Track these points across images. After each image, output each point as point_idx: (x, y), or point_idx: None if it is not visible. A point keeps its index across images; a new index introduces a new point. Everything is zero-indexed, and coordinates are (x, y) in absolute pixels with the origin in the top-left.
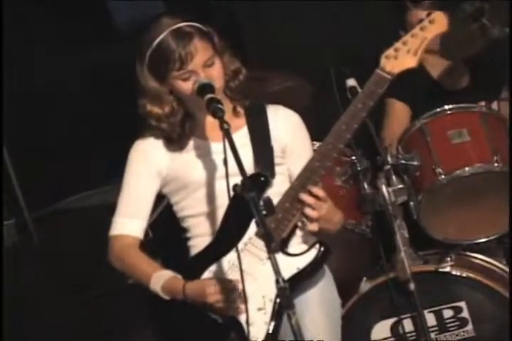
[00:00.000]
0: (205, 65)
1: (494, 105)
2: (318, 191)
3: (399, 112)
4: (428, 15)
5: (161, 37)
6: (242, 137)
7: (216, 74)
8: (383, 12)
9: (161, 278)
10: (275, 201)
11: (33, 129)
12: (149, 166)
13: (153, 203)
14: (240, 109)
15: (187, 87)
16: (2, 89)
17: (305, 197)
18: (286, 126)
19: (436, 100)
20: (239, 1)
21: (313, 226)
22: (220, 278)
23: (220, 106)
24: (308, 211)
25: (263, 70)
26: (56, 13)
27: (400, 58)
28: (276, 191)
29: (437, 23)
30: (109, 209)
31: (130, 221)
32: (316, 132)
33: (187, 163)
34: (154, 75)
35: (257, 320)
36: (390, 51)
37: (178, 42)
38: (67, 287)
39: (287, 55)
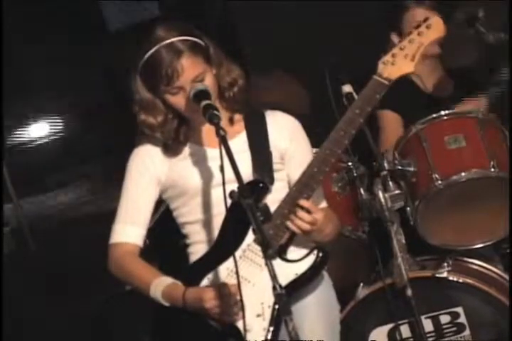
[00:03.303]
0: (194, 81)
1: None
2: (309, 205)
3: (392, 122)
4: (425, 20)
5: (152, 50)
6: (240, 143)
7: None
8: (378, 18)
9: (160, 285)
10: (274, 207)
11: (27, 136)
12: (148, 174)
13: (152, 210)
14: (237, 117)
15: (176, 100)
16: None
17: (299, 213)
18: (284, 132)
19: (424, 108)
20: (235, 3)
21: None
22: (219, 284)
23: (216, 112)
24: (300, 224)
25: (259, 73)
26: (49, 15)
27: (397, 64)
28: (276, 197)
29: (434, 29)
30: (105, 216)
31: (129, 228)
32: (311, 138)
33: (184, 170)
34: (146, 86)
35: (256, 326)
36: (388, 57)
37: (167, 59)
38: (64, 294)
39: (283, 60)
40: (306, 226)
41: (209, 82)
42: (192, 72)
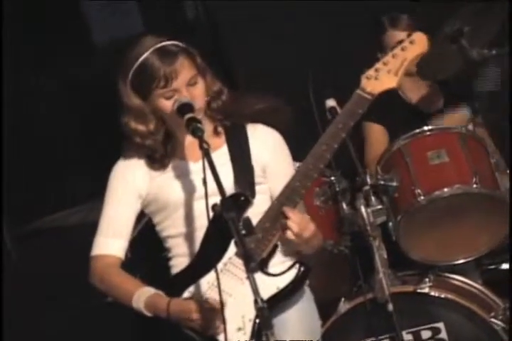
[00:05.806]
0: (188, 84)
1: (469, 127)
2: (297, 215)
3: (377, 134)
4: (408, 35)
5: (145, 54)
6: (222, 156)
7: (198, 94)
8: (362, 33)
9: (143, 295)
10: (256, 221)
11: (11, 148)
12: (129, 187)
13: (134, 223)
14: (220, 129)
15: (169, 105)
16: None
17: (290, 223)
18: (266, 145)
19: (412, 122)
20: (221, 22)
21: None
22: (201, 297)
23: (199, 125)
24: (289, 235)
25: (243, 90)
26: (35, 30)
27: (380, 78)
28: (258, 211)
29: (418, 44)
30: (89, 228)
31: (111, 241)
32: (294, 152)
33: (166, 184)
34: (137, 93)
35: (237, 340)
36: (371, 71)
37: (163, 60)
38: (46, 305)
39: (267, 75)
40: (298, 229)
41: (200, 87)
42: (187, 73)
